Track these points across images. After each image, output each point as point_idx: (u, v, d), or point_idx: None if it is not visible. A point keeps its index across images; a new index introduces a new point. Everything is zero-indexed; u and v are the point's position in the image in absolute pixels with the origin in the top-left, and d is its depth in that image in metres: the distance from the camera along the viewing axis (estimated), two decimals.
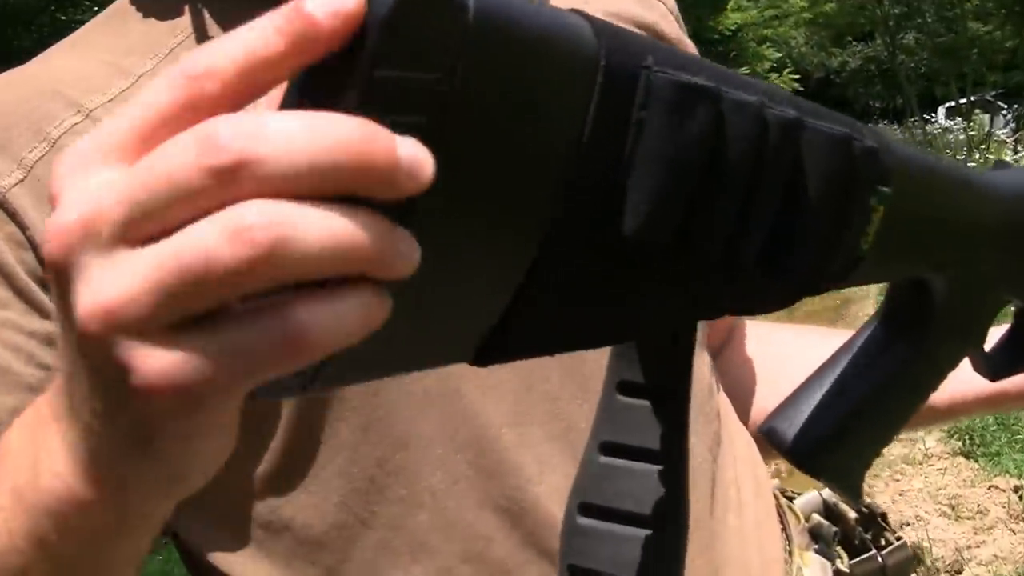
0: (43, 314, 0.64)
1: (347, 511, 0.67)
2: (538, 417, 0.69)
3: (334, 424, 0.67)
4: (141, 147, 0.31)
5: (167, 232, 0.29)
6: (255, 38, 0.29)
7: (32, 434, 0.43)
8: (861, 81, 23.91)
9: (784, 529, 0.84)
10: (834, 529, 0.89)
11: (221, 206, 0.29)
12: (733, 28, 20.27)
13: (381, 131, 0.29)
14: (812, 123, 0.42)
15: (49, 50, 0.76)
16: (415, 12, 0.29)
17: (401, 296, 0.31)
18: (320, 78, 0.30)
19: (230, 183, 0.28)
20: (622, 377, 0.48)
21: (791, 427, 0.58)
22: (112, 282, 0.30)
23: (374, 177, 0.29)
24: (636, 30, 0.85)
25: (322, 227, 0.29)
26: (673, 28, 0.89)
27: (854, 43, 23.79)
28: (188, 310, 0.29)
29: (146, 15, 0.73)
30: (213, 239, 0.28)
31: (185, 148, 0.29)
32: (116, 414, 0.34)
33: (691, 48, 0.91)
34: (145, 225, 0.30)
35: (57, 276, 0.32)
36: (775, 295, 0.45)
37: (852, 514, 0.90)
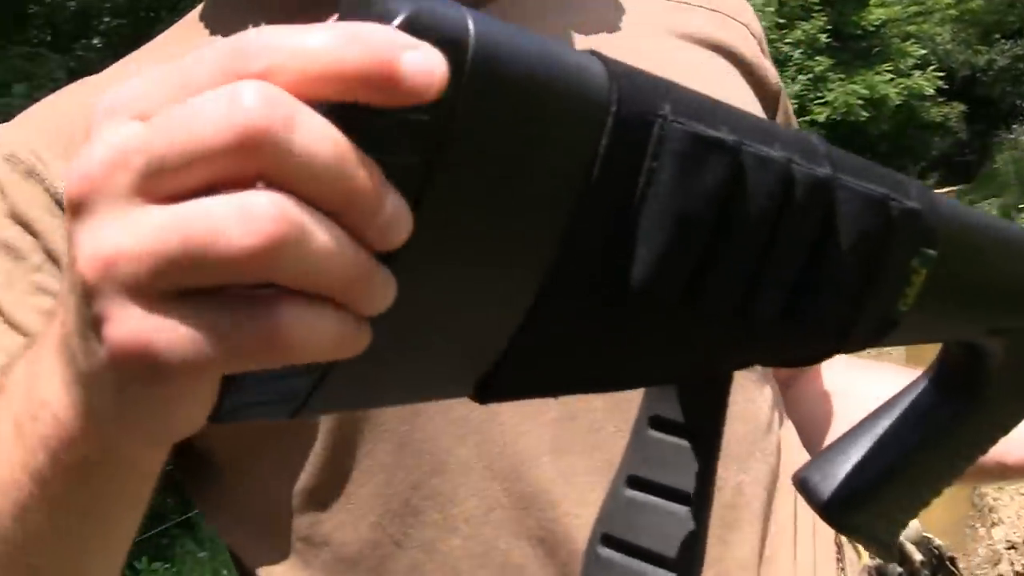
0: None
1: (382, 531, 0.68)
2: (579, 448, 0.68)
3: (371, 444, 0.67)
4: None
5: (184, 197, 0.29)
6: (324, 64, 0.29)
7: (31, 363, 0.43)
8: (1008, 80, 23.04)
9: (842, 569, 0.82)
10: (899, 570, 0.86)
11: (236, 180, 0.29)
12: (877, 24, 19.78)
13: (385, 186, 0.29)
14: (846, 182, 0.40)
15: (127, 56, 0.78)
16: None
17: (387, 329, 0.31)
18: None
19: (250, 153, 0.28)
20: (655, 412, 0.47)
21: (824, 480, 0.55)
22: (117, 235, 0.30)
23: (359, 206, 0.29)
24: (711, 52, 0.83)
25: (324, 241, 0.29)
26: (752, 50, 0.87)
27: (1002, 40, 22.95)
28: (182, 283, 0.30)
29: (212, 32, 0.75)
30: (223, 217, 0.28)
31: (215, 111, 0.29)
32: (89, 356, 0.34)
33: (771, 72, 0.88)
34: (164, 180, 0.30)
35: (72, 215, 0.32)
36: (801, 349, 0.43)
37: (918, 556, 0.87)
